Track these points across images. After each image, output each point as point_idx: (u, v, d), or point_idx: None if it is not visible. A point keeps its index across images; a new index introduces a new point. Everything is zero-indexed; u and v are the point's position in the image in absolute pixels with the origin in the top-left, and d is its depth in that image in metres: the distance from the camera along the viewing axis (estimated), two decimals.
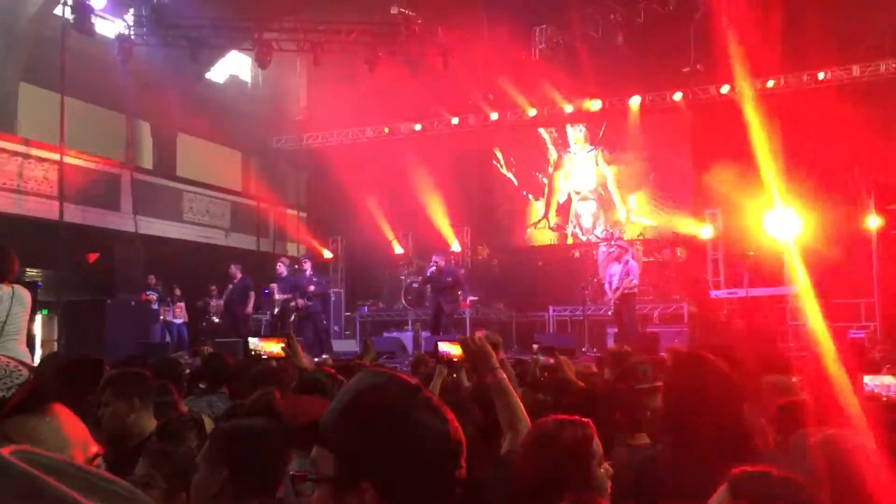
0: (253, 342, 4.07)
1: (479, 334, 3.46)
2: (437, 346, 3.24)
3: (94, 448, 1.23)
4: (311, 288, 14.04)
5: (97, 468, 1.16)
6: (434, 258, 13.76)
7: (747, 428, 2.52)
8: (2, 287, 5.15)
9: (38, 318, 14.58)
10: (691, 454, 2.35)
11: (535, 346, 4.42)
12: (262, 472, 2.09)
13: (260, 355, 4.05)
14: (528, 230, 19.30)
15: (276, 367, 4.24)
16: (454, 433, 1.35)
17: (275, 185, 22.02)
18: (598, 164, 18.66)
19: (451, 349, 3.16)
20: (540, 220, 19.14)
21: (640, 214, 18.01)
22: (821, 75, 15.47)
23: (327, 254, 19.11)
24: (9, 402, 1.20)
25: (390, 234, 18.86)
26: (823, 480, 1.94)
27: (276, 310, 14.48)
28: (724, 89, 16.13)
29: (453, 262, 14.07)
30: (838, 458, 2.02)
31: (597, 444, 2.34)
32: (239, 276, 14.75)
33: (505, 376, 2.82)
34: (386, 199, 18.27)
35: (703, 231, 15.73)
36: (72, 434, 1.21)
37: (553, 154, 19.20)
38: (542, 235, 19.19)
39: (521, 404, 2.79)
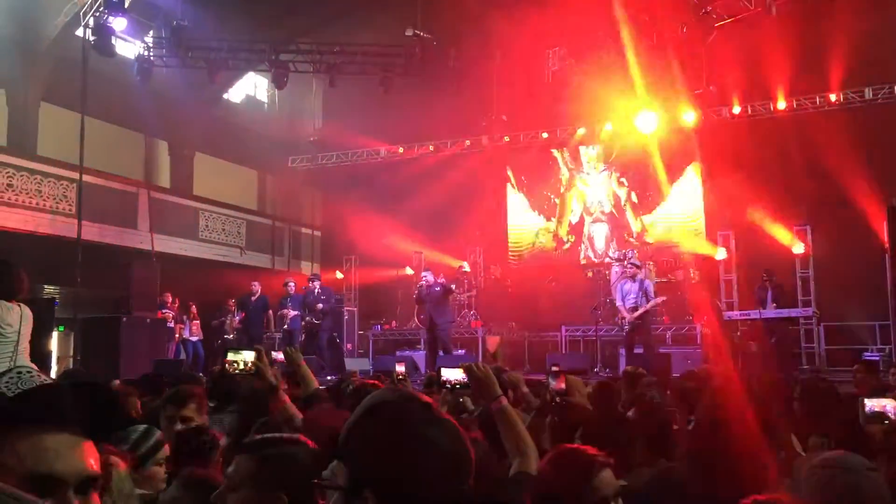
0: (230, 355, 4.06)
1: (492, 341, 3.45)
2: (439, 371, 3.22)
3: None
4: (320, 306, 14.11)
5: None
6: (423, 274, 13.81)
7: (767, 460, 2.50)
8: (13, 308, 5.17)
9: (55, 334, 14.65)
10: (710, 480, 2.34)
11: (553, 368, 4.37)
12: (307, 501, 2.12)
13: (233, 368, 4.04)
14: (540, 251, 19.27)
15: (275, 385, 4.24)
16: (463, 452, 1.41)
17: (290, 203, 22.14)
18: (611, 185, 18.63)
19: (454, 375, 3.13)
20: (552, 241, 19.11)
21: (652, 236, 17.94)
22: (833, 97, 15.42)
23: (338, 275, 19.13)
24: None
25: (403, 254, 18.87)
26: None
27: (285, 326, 14.54)
28: (737, 110, 16.11)
29: (443, 277, 13.90)
30: (837, 481, 2.01)
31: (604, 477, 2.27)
32: (259, 292, 14.86)
33: (507, 403, 2.79)
34: (399, 218, 18.30)
35: (718, 253, 15.66)
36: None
37: (565, 174, 19.15)
38: (554, 256, 19.14)
39: (525, 430, 2.76)
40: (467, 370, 2.90)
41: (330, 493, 1.46)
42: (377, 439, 1.38)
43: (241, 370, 3.84)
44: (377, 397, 1.47)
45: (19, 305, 5.22)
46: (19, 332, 5.12)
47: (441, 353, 13.02)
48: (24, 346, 5.26)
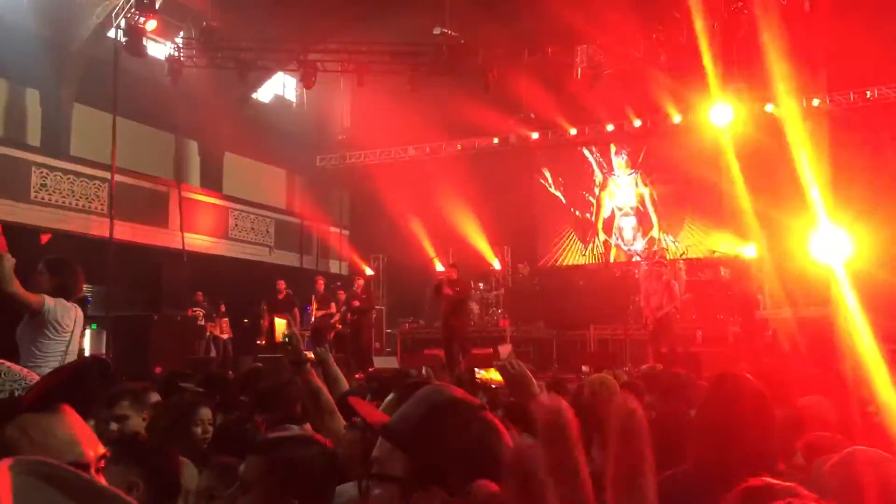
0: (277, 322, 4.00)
1: (504, 349, 3.41)
2: (473, 371, 3.17)
3: (102, 448, 1.28)
4: (356, 303, 14.09)
5: (100, 469, 1.19)
6: (448, 267, 13.68)
7: (774, 450, 2.45)
8: (70, 309, 5.05)
9: (88, 332, 14.83)
10: (713, 474, 2.29)
11: (584, 368, 4.33)
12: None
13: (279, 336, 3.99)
14: (570, 250, 19.41)
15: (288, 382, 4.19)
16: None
17: (318, 202, 22.19)
18: (637, 186, 19.23)
19: (489, 375, 3.09)
20: (585, 239, 19.48)
21: (681, 233, 17.93)
22: (868, 94, 15.15)
23: (369, 271, 19.17)
24: (25, 398, 1.26)
25: (431, 252, 18.86)
26: (837, 498, 1.90)
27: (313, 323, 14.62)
28: (768, 108, 15.88)
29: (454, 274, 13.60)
30: (853, 476, 1.96)
31: None
32: (285, 291, 14.91)
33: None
34: (427, 217, 18.29)
35: (746, 250, 15.49)
36: (81, 433, 1.26)
37: (598, 176, 19.79)
38: (585, 254, 19.24)
39: None
40: (501, 369, 2.86)
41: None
42: (449, 437, 1.45)
43: (283, 339, 3.76)
44: (443, 394, 1.54)
45: (75, 307, 5.16)
46: (72, 334, 5.06)
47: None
48: (75, 347, 5.20)
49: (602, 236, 19.62)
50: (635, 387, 5.60)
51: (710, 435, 2.42)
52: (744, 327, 13.59)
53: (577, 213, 19.78)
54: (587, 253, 19.60)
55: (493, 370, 2.98)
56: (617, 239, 19.45)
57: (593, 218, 19.73)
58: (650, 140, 18.47)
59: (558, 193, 20.02)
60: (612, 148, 19.45)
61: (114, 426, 3.61)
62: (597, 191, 19.77)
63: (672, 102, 16.77)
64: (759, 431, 2.33)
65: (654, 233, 18.75)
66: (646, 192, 19.16)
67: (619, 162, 19.58)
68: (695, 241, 17.66)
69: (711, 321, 14.90)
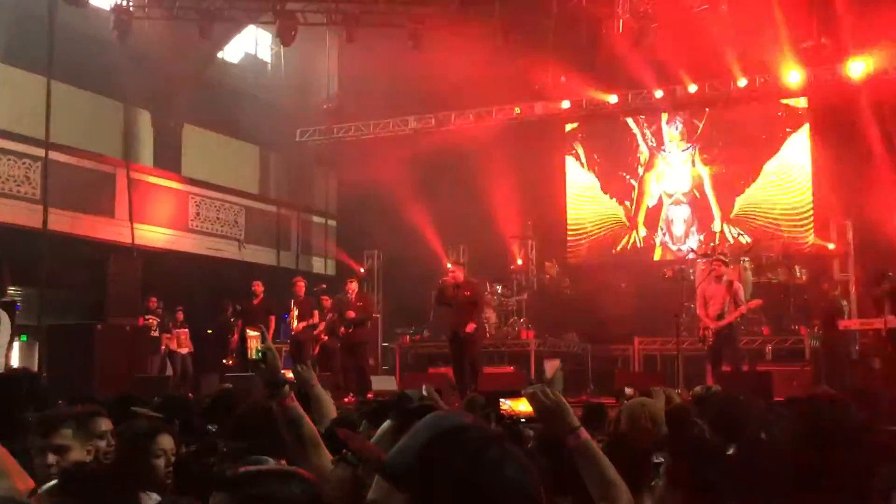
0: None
1: (551, 365, 3.38)
2: (497, 404, 3.14)
3: (30, 481, 1.26)
4: (351, 314, 14.02)
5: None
6: (450, 266, 13.60)
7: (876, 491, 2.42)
8: None
9: (16, 344, 14.84)
10: None
11: (628, 390, 4.30)
12: None
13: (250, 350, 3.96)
14: (607, 243, 19.30)
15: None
16: (534, 489, 1.51)
17: (299, 186, 22.17)
18: (693, 164, 18.87)
19: (516, 405, 3.05)
20: (625, 231, 19.23)
21: (745, 224, 17.83)
22: None
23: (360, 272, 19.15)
24: None
25: (439, 248, 18.82)
26: None
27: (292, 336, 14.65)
28: (855, 69, 15.76)
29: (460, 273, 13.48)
30: None
31: None
32: (262, 295, 14.93)
33: (588, 436, 2.75)
34: (434, 204, 18.24)
35: (830, 246, 15.44)
36: (7, 463, 1.23)
37: (644, 152, 19.42)
38: (626, 249, 19.13)
39: (613, 470, 2.70)
40: (532, 398, 2.82)
41: None
42: (450, 471, 1.45)
43: (255, 355, 3.74)
44: (447, 422, 1.56)
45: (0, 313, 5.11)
46: None
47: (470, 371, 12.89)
48: (0, 360, 5.17)
49: (643, 230, 19.27)
50: (685, 412, 5.56)
51: (799, 475, 2.39)
52: (824, 340, 13.53)
53: (615, 200, 19.51)
54: (621, 251, 19.33)
55: (521, 399, 2.94)
56: (664, 235, 19.09)
57: (632, 207, 19.41)
58: (711, 109, 18.27)
59: (592, 175, 19.82)
60: (664, 116, 19.13)
61: (52, 459, 3.57)
62: (640, 171, 19.43)
63: (737, 62, 16.65)
64: (857, 471, 2.29)
65: (715, 226, 18.26)
66: (705, 172, 18.71)
67: (671, 133, 19.18)
68: (762, 234, 17.56)
69: (784, 333, 14.82)
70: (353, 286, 14.55)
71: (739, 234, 17.90)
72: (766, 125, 17.79)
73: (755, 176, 17.89)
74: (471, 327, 12.72)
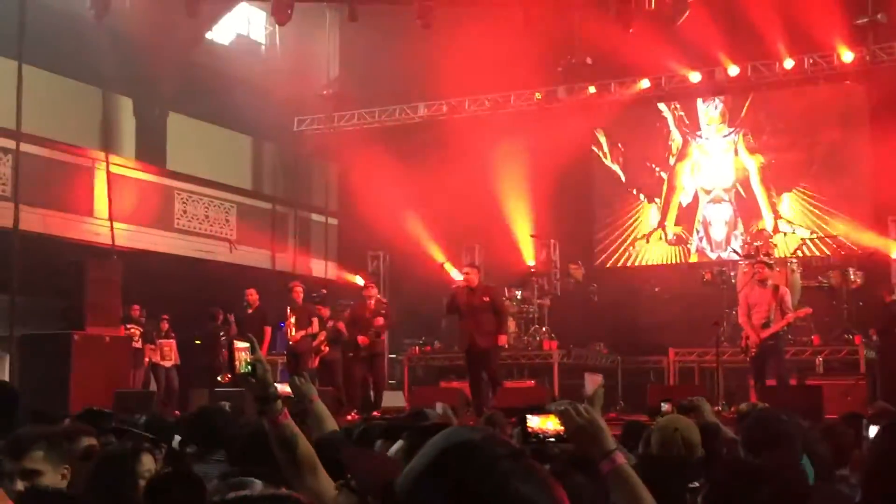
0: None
1: (592, 380, 3.38)
2: (524, 421, 3.10)
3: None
4: (380, 321, 14.08)
5: None
6: (465, 269, 13.58)
7: None
8: None
9: None
10: None
11: (664, 406, 4.27)
12: None
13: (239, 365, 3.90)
14: (638, 244, 19.15)
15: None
16: None
17: (296, 181, 22.18)
18: (737, 154, 18.46)
19: (545, 423, 3.02)
20: (654, 230, 19.03)
21: (794, 222, 17.69)
22: None
23: (359, 280, 19.14)
24: None
25: (450, 248, 18.81)
26: None
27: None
28: None
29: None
30: None
31: None
32: (257, 304, 14.98)
33: (625, 461, 2.74)
34: (445, 200, 18.23)
35: (891, 248, 15.39)
36: None
37: (677, 139, 19.08)
38: (658, 251, 18.99)
39: (650, 497, 2.70)
40: (563, 415, 2.82)
41: None
42: (457, 491, 1.43)
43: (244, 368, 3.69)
44: (456, 436, 1.53)
45: None
46: None
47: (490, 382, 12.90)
48: None
49: (672, 230, 18.81)
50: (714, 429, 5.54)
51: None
52: (882, 350, 13.47)
53: (643, 196, 19.17)
54: (659, 250, 19.09)
55: (550, 416, 2.89)
56: (700, 240, 18.68)
57: (660, 203, 19.06)
58: (755, 92, 18.04)
59: (615, 167, 19.55)
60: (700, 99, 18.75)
61: (20, 485, 3.58)
62: (672, 161, 19.03)
63: (783, 41, 16.59)
64: None
65: (766, 225, 17.75)
66: (752, 163, 18.19)
67: (709, 114, 18.72)
68: (813, 233, 17.46)
69: (836, 342, 14.78)
70: (374, 291, 14.61)
71: (792, 229, 17.65)
72: (817, 110, 17.62)
73: (805, 168, 17.72)
74: (502, 340, 12.75)
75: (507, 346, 14.36)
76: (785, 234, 17.63)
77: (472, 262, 14.95)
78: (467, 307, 12.84)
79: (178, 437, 5.34)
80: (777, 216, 17.91)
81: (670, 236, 18.97)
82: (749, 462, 3.91)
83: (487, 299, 12.84)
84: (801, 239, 17.26)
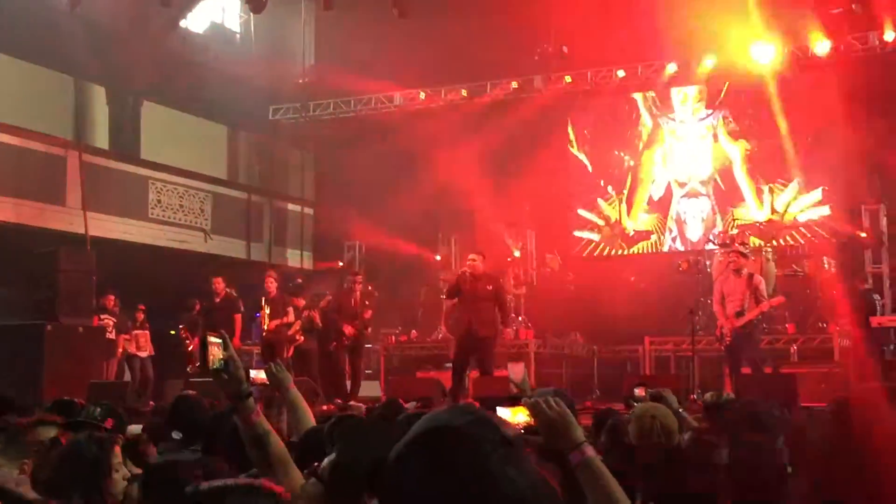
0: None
1: (516, 369, 3.36)
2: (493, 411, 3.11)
3: None
4: (368, 314, 14.17)
5: None
6: (471, 257, 13.54)
7: None
8: None
9: None
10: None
11: (637, 391, 4.28)
12: None
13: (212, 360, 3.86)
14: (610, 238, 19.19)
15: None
16: (546, 497, 1.47)
17: (272, 170, 22.12)
18: (717, 140, 18.05)
19: (513, 416, 3.02)
20: (616, 226, 18.91)
21: (778, 210, 17.61)
22: None
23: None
24: None
25: (426, 238, 18.79)
26: None
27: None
28: (890, 37, 15.83)
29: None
30: None
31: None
32: (224, 292, 14.85)
33: (594, 453, 2.75)
34: (421, 189, 18.20)
35: (861, 234, 15.47)
36: None
37: (646, 123, 18.79)
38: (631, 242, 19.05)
39: (619, 488, 2.70)
40: (534, 408, 2.84)
41: None
42: (437, 475, 1.41)
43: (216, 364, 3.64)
44: (438, 419, 1.51)
45: None
46: None
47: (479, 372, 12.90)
48: None
49: (633, 228, 18.46)
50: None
51: (832, 482, 2.41)
52: (855, 339, 13.56)
53: (610, 187, 18.82)
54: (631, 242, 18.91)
55: (521, 409, 2.91)
56: (674, 238, 18.35)
57: (624, 195, 18.62)
58: (732, 80, 17.78)
59: (581, 156, 19.23)
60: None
61: None
62: (640, 146, 18.62)
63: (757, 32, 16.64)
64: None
65: (752, 213, 17.53)
66: (736, 151, 17.61)
67: (683, 93, 18.18)
68: (789, 220, 17.48)
69: (811, 331, 14.87)
70: (359, 280, 14.61)
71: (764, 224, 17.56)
72: (795, 101, 17.56)
73: (784, 157, 17.61)
74: (506, 332, 12.78)
75: (500, 336, 14.33)
76: (768, 222, 17.31)
77: (480, 251, 14.87)
78: (469, 294, 12.76)
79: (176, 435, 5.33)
80: (772, 210, 17.55)
81: (631, 234, 18.70)
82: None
83: (490, 288, 12.82)
84: (778, 227, 17.24)
